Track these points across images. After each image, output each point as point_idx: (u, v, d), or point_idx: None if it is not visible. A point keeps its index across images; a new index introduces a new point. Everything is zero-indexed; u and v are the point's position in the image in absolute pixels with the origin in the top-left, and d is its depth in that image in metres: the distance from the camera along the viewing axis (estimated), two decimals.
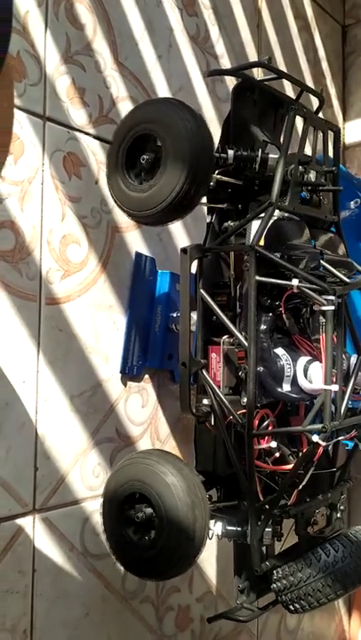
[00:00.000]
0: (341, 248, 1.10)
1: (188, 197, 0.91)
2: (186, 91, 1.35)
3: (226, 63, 1.47)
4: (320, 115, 1.11)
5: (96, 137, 1.13)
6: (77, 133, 1.10)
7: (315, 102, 1.13)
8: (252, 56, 1.58)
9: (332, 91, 1.97)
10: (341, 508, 1.09)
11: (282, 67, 1.70)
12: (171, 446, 1.27)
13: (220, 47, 1.47)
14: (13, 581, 0.97)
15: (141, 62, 1.25)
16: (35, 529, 1.00)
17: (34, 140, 1.03)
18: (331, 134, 1.08)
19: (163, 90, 1.29)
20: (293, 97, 1.04)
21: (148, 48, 1.26)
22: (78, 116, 1.11)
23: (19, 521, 0.98)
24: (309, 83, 1.82)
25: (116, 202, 0.98)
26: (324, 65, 1.93)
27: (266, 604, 1.03)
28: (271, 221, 0.95)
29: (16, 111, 1.00)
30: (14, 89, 1.00)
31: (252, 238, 0.94)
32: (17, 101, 1.00)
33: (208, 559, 1.35)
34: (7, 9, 0.50)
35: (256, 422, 0.92)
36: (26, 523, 0.99)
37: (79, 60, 1.11)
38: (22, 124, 1.01)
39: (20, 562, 0.98)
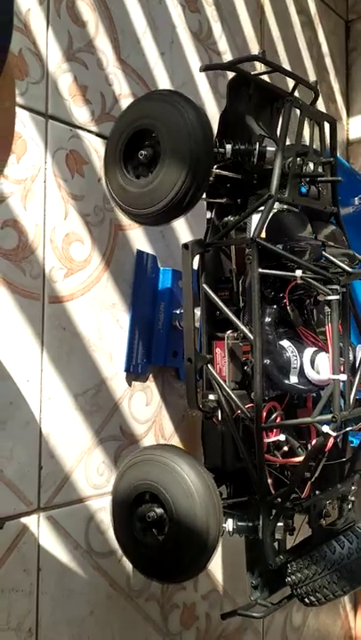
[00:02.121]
0: (343, 241, 1.10)
1: (189, 194, 0.90)
2: (188, 87, 1.34)
3: (229, 59, 1.47)
4: (321, 109, 1.10)
5: (99, 135, 1.13)
6: (80, 131, 1.10)
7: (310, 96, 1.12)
8: (256, 52, 1.57)
9: (336, 86, 1.96)
10: (352, 498, 1.09)
11: (285, 63, 1.70)
12: (176, 444, 1.26)
13: (222, 44, 1.46)
14: (18, 580, 0.97)
15: (144, 59, 1.24)
16: (39, 527, 1.00)
17: (36, 138, 1.02)
18: (327, 125, 1.08)
19: (165, 86, 1.28)
20: (288, 91, 1.04)
21: (150, 45, 1.26)
22: (81, 113, 1.10)
23: (23, 520, 0.98)
24: (313, 78, 1.81)
25: (114, 200, 0.98)
26: (328, 61, 1.92)
27: (280, 599, 1.02)
28: (271, 214, 0.94)
29: (18, 109, 1.00)
30: (16, 87, 0.99)
31: (252, 231, 0.94)
32: (19, 99, 1.00)
33: (214, 557, 1.34)
34: (7, 7, 0.49)
35: (264, 415, 0.91)
36: (30, 521, 0.99)
37: (81, 57, 1.11)
38: (24, 123, 1.01)
39: (24, 560, 0.98)
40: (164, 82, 1.28)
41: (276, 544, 0.97)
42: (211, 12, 1.43)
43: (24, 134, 1.00)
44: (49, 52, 1.05)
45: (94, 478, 1.10)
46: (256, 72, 1.03)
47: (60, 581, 1.03)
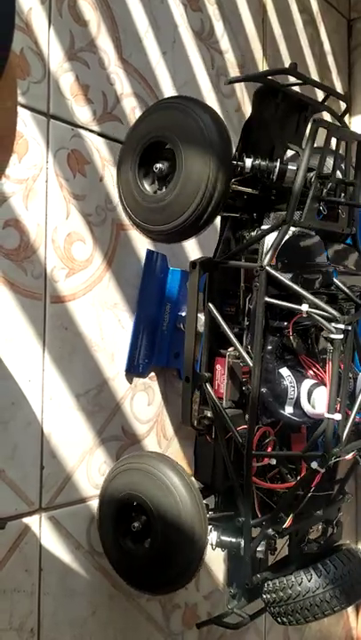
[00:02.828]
0: (354, 259, 1.07)
1: (206, 213, 0.87)
2: (190, 87, 1.34)
3: (230, 58, 1.46)
4: (346, 119, 1.08)
5: (100, 134, 1.12)
6: (82, 131, 1.10)
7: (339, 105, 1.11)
8: (258, 51, 1.57)
9: (338, 85, 1.95)
10: (340, 522, 1.08)
11: (287, 61, 1.69)
12: (177, 444, 1.26)
13: (224, 42, 1.46)
14: (20, 580, 0.97)
15: (146, 59, 1.24)
16: (41, 528, 1.00)
17: (38, 137, 1.02)
18: (354, 145, 1.01)
19: (167, 86, 1.28)
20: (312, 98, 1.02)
21: (152, 44, 1.25)
22: (82, 113, 1.10)
23: (25, 520, 0.98)
24: (315, 77, 1.80)
25: (128, 214, 0.95)
26: (330, 59, 1.92)
27: (255, 612, 1.03)
28: (286, 237, 0.91)
29: (20, 109, 1.00)
30: (18, 87, 0.99)
31: (264, 256, 0.91)
32: (20, 99, 1.00)
33: (215, 557, 1.34)
34: (9, 5, 0.49)
35: (256, 439, 0.91)
36: (32, 521, 0.99)
37: (83, 56, 1.11)
38: (26, 122, 1.00)
39: (26, 561, 0.98)
40: (166, 81, 1.28)
41: (257, 562, 0.98)
42: (213, 10, 1.43)
43: (25, 134, 1.00)
44: (51, 51, 1.05)
45: (96, 478, 1.09)
46: (286, 83, 0.99)
47: (62, 582, 1.03)
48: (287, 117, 1.00)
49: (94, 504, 1.09)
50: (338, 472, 1.08)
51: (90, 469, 1.09)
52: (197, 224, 0.89)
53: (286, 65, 1.67)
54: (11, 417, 0.96)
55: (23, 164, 1.00)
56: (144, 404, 1.20)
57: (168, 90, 1.28)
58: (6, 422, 0.96)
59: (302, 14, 1.77)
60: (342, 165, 1.01)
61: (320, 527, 1.05)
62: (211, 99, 1.40)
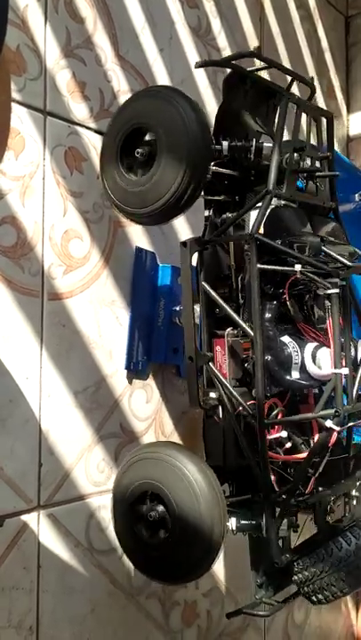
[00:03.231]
0: (340, 233, 1.09)
1: (187, 193, 0.90)
2: (187, 83, 1.34)
3: (228, 55, 1.46)
4: (321, 105, 1.10)
5: (97, 131, 1.12)
6: (78, 128, 1.09)
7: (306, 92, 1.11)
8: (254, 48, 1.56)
9: (336, 82, 1.95)
10: (357, 494, 1.08)
11: (284, 58, 1.69)
12: (176, 441, 1.26)
13: (221, 39, 1.45)
14: (19, 578, 0.97)
15: (142, 55, 1.24)
16: (40, 525, 1.00)
17: (34, 134, 1.02)
18: (324, 121, 1.07)
19: (164, 83, 1.28)
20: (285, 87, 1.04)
21: (149, 41, 1.25)
22: (79, 110, 1.10)
23: (24, 517, 0.98)
24: (312, 74, 1.80)
25: (111, 199, 0.97)
26: (328, 56, 1.92)
27: (286, 597, 1.01)
28: (269, 210, 0.94)
29: (16, 106, 1.00)
30: (14, 83, 0.99)
31: (251, 227, 0.94)
32: (17, 96, 1.00)
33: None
34: (2, 0, 0.49)
35: (265, 412, 0.91)
36: (31, 519, 0.99)
37: (79, 53, 1.11)
38: (23, 119, 1.00)
39: (25, 558, 0.97)
40: (163, 78, 1.28)
41: (280, 542, 0.96)
42: (210, 7, 1.42)
43: (22, 131, 1.00)
44: (47, 48, 1.05)
45: (94, 475, 1.09)
46: (252, 68, 1.03)
47: (61, 579, 1.03)
48: (257, 104, 1.03)
49: (93, 501, 1.09)
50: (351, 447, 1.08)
51: (88, 467, 1.08)
52: (178, 205, 0.91)
53: (287, 62, 1.68)
54: (8, 414, 0.96)
55: (20, 161, 1.00)
56: (142, 401, 1.19)
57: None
58: (4, 419, 0.96)
59: (299, 11, 1.77)
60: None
61: (341, 502, 1.04)
62: (208, 95, 1.39)
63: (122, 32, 1.19)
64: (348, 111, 2.00)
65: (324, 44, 1.90)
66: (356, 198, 1.59)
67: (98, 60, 1.14)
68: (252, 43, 1.56)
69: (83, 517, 1.07)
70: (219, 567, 1.36)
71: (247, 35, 1.54)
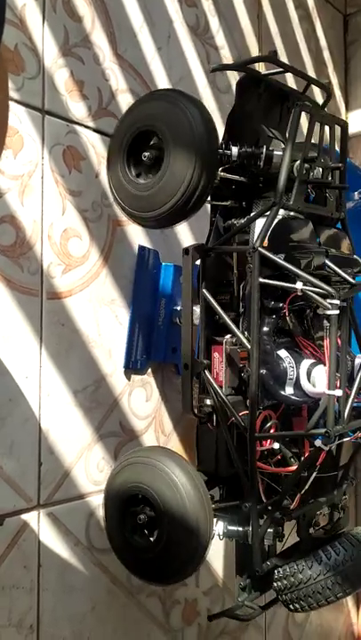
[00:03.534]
0: (345, 243, 1.08)
1: (194, 196, 0.88)
2: (186, 82, 1.34)
3: (226, 54, 1.46)
4: (327, 108, 1.09)
5: (96, 130, 1.12)
6: (77, 127, 1.09)
7: (318, 94, 1.11)
8: (253, 47, 1.56)
9: (335, 81, 1.95)
10: (345, 507, 1.08)
11: (283, 57, 1.69)
12: (175, 440, 1.26)
13: (220, 38, 1.45)
14: (19, 576, 0.97)
15: (141, 54, 1.24)
16: (40, 524, 1.00)
17: (33, 133, 1.02)
18: (338, 129, 1.05)
19: (162, 82, 1.28)
20: (298, 89, 1.03)
21: (147, 40, 1.25)
22: (77, 109, 1.10)
23: (23, 516, 0.98)
24: (311, 73, 1.80)
25: (118, 202, 0.96)
26: (326, 55, 1.92)
27: (266, 603, 1.03)
28: (276, 220, 0.93)
29: (15, 105, 1.00)
30: (12, 82, 0.99)
31: (255, 238, 0.92)
32: (15, 95, 1.00)
33: (215, 553, 1.34)
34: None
35: (258, 423, 0.91)
36: (31, 518, 0.99)
37: (78, 52, 1.11)
38: (21, 118, 1.00)
39: (25, 557, 0.98)
40: (161, 77, 1.28)
41: (266, 548, 0.97)
42: (208, 6, 1.42)
43: (20, 130, 1.00)
44: (45, 47, 1.05)
45: (94, 474, 1.09)
46: (267, 72, 1.01)
47: (61, 578, 1.03)
48: (270, 108, 1.02)
49: (93, 500, 1.09)
50: (341, 458, 1.08)
51: (88, 466, 1.09)
52: (186, 208, 0.90)
53: (285, 60, 1.67)
54: (8, 413, 0.96)
55: (18, 160, 1.00)
56: (142, 399, 1.20)
57: (163, 85, 1.28)
58: (4, 419, 0.96)
59: (298, 10, 1.77)
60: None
61: (327, 513, 1.05)
62: (207, 94, 1.39)
63: (120, 31, 1.19)
64: (347, 109, 2.00)
65: (323, 42, 1.90)
66: (356, 196, 1.59)
67: (96, 59, 1.14)
68: (251, 41, 1.56)
69: (83, 516, 1.07)
70: (219, 566, 1.36)
71: (245, 33, 1.54)
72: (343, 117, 1.98)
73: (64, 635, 1.03)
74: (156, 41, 1.27)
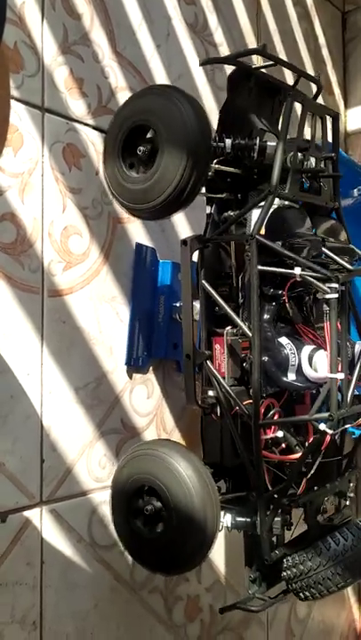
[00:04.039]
0: (343, 235, 1.09)
1: (187, 188, 0.90)
2: (185, 80, 1.34)
3: (225, 52, 1.46)
4: (319, 101, 1.10)
5: (95, 127, 1.12)
6: (77, 124, 1.10)
7: (311, 89, 1.11)
8: (252, 44, 1.56)
9: (333, 78, 1.95)
10: (350, 495, 1.09)
11: (282, 55, 1.69)
12: (177, 437, 1.27)
13: (218, 35, 1.45)
14: (22, 573, 0.97)
15: (140, 52, 1.24)
16: (42, 521, 1.00)
17: (33, 131, 1.02)
18: (329, 120, 1.07)
19: (161, 79, 1.28)
20: (291, 84, 1.04)
21: (146, 37, 1.25)
22: (77, 106, 1.10)
23: (26, 513, 0.98)
24: (310, 71, 1.80)
25: (114, 196, 0.97)
26: (325, 52, 1.92)
27: (277, 594, 1.02)
28: (271, 210, 0.94)
29: (15, 103, 1.00)
30: (12, 80, 0.99)
31: (252, 227, 0.94)
32: (15, 93, 1.00)
33: (217, 549, 1.34)
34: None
35: (262, 412, 0.91)
36: (33, 515, 0.99)
37: (77, 50, 1.11)
38: (21, 116, 1.00)
39: (28, 554, 0.98)
40: (160, 74, 1.28)
41: (274, 539, 0.98)
42: (206, 3, 1.42)
43: (20, 128, 1.00)
44: (44, 45, 1.05)
45: (96, 471, 1.10)
46: (257, 65, 1.02)
47: (64, 574, 1.03)
48: (262, 101, 1.03)
49: (95, 497, 1.09)
50: (345, 447, 1.09)
51: (90, 462, 1.09)
52: (180, 199, 0.91)
53: (284, 58, 1.68)
54: (10, 410, 0.96)
55: (19, 158, 1.00)
56: (143, 396, 1.20)
57: (162, 82, 1.28)
58: (5, 416, 0.96)
59: (296, 7, 1.77)
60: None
61: (333, 501, 1.05)
62: (206, 91, 1.40)
63: (119, 28, 1.19)
64: (346, 106, 2.00)
65: (322, 39, 1.90)
66: (355, 193, 1.59)
67: (95, 57, 1.14)
68: (249, 39, 1.56)
69: (85, 513, 1.08)
70: (221, 562, 1.36)
71: (244, 31, 1.55)
72: (342, 115, 1.99)
73: (67, 631, 1.03)
74: (154, 38, 1.27)
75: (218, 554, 1.35)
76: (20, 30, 1.01)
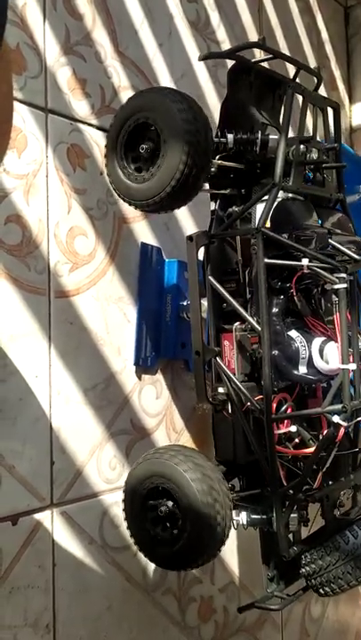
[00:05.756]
0: (350, 227, 1.09)
1: (189, 182, 0.89)
2: (188, 78, 1.33)
3: (227, 48, 1.45)
4: (321, 94, 1.09)
5: (99, 128, 1.12)
6: (80, 125, 1.09)
7: (313, 83, 1.11)
8: (254, 40, 1.56)
9: (337, 73, 1.94)
10: None
11: (285, 51, 1.68)
12: (187, 437, 1.26)
13: (221, 33, 1.45)
14: (34, 576, 0.96)
15: (142, 51, 1.24)
16: (53, 523, 1.00)
17: (36, 132, 1.02)
18: (331, 111, 1.07)
19: (164, 78, 1.28)
20: (291, 77, 1.03)
21: (148, 36, 1.25)
22: (80, 107, 1.10)
23: (37, 516, 0.98)
24: (313, 65, 1.79)
25: (117, 193, 0.97)
26: (328, 48, 1.91)
27: (296, 591, 1.01)
28: (276, 203, 0.93)
29: (18, 104, 1.00)
30: (15, 81, 0.99)
31: (257, 221, 0.93)
32: (18, 94, 1.00)
33: (230, 550, 1.34)
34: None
35: (274, 407, 0.91)
36: (44, 517, 0.99)
37: (79, 50, 1.10)
38: (24, 117, 1.00)
39: (39, 556, 0.97)
40: (163, 73, 1.27)
41: (290, 535, 0.97)
42: (208, 0, 1.42)
43: (24, 129, 1.00)
44: (46, 45, 1.05)
45: (106, 473, 1.09)
46: (256, 59, 1.02)
47: (76, 577, 1.03)
48: (262, 95, 1.03)
49: (106, 499, 1.09)
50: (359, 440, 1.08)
51: (100, 464, 1.08)
52: (182, 193, 0.91)
53: (287, 54, 1.67)
54: (19, 413, 0.96)
55: (23, 160, 0.99)
56: (152, 397, 1.19)
57: (165, 81, 1.27)
58: (14, 418, 0.95)
59: (298, 3, 1.76)
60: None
61: (350, 495, 1.04)
62: (209, 89, 1.39)
63: (121, 28, 1.19)
64: (351, 102, 1.99)
65: (325, 35, 1.89)
66: None
67: (98, 57, 1.14)
68: (252, 35, 1.55)
69: (96, 515, 1.07)
70: (234, 562, 1.35)
71: (246, 27, 1.54)
72: (347, 110, 1.98)
73: (80, 634, 1.03)
74: (157, 37, 1.27)
75: (231, 555, 1.34)
76: (21, 31, 1.01)
